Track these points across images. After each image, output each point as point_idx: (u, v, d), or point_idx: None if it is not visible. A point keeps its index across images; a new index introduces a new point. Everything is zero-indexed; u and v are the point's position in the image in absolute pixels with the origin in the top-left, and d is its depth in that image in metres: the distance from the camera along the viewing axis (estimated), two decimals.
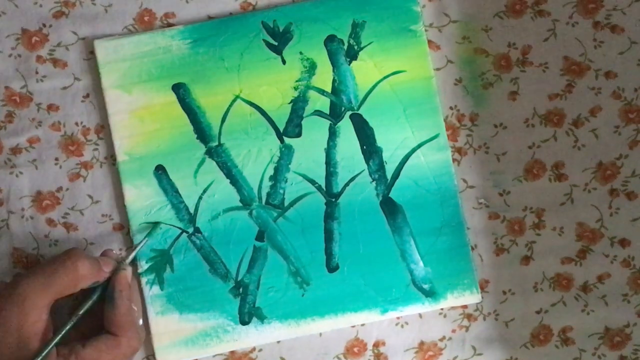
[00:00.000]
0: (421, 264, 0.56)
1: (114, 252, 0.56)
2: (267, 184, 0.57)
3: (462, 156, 0.57)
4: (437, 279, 0.56)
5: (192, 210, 0.57)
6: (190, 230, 0.57)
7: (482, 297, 0.57)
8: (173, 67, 0.57)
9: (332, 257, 0.57)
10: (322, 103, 0.57)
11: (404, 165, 0.57)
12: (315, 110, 0.57)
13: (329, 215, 0.57)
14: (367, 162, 0.57)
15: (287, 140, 0.57)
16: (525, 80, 0.57)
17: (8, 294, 0.50)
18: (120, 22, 0.58)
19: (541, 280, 0.57)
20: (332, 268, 0.57)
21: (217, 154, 0.57)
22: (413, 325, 0.57)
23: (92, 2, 0.58)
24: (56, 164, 0.57)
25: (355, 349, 0.57)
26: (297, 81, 0.57)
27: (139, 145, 0.57)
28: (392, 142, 0.57)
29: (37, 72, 0.57)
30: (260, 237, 0.57)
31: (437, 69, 0.57)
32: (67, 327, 0.51)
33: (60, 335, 0.50)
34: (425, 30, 0.57)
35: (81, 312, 0.52)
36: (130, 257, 0.55)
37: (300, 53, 0.57)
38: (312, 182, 0.57)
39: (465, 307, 0.57)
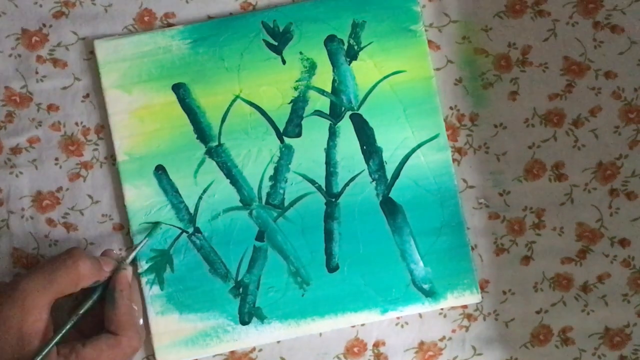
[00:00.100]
0: (421, 264, 0.56)
1: (114, 252, 0.56)
2: (267, 184, 0.57)
3: (462, 156, 0.57)
4: (437, 279, 0.56)
5: (192, 210, 0.57)
6: (190, 230, 0.57)
7: (482, 297, 0.57)
8: (173, 67, 0.57)
9: (332, 257, 0.57)
10: (322, 103, 0.57)
11: (404, 165, 0.57)
12: (315, 110, 0.57)
13: (329, 215, 0.57)
14: (367, 162, 0.57)
15: (287, 140, 0.57)
16: (525, 80, 0.57)
17: (9, 293, 0.50)
18: (120, 22, 0.58)
19: (541, 280, 0.57)
20: (332, 268, 0.57)
21: (217, 154, 0.57)
22: (413, 325, 0.57)
23: (92, 2, 0.58)
24: (56, 164, 0.57)
25: (355, 349, 0.57)
26: (297, 81, 0.57)
27: (139, 145, 0.57)
28: (392, 142, 0.57)
29: (37, 72, 0.57)
30: (260, 237, 0.57)
31: (437, 69, 0.58)
32: (68, 327, 0.51)
33: (60, 335, 0.50)
34: (425, 30, 0.57)
35: (81, 311, 0.52)
36: (131, 257, 0.55)
37: (300, 53, 0.57)
38: (312, 182, 0.57)
39: (465, 307, 0.57)
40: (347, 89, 0.57)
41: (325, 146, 0.57)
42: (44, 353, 0.49)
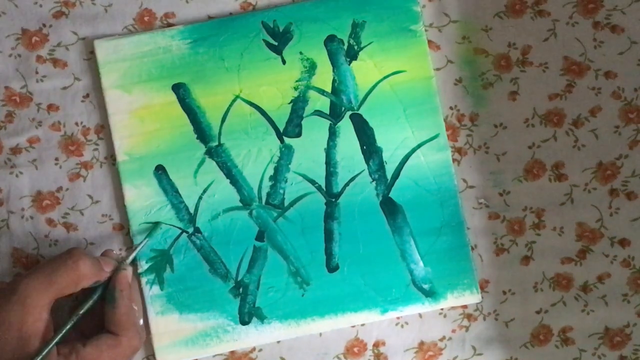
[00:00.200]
0: (421, 264, 0.56)
1: (114, 252, 0.56)
2: (267, 184, 0.57)
3: (462, 156, 0.57)
4: (437, 279, 0.56)
5: (192, 210, 0.57)
6: (190, 230, 0.57)
7: (482, 297, 0.57)
8: (173, 67, 0.57)
9: (332, 257, 0.57)
10: (322, 103, 0.57)
11: (404, 165, 0.57)
12: (315, 110, 0.57)
13: (329, 215, 0.57)
14: (367, 162, 0.57)
15: (287, 140, 0.57)
16: (525, 80, 0.57)
17: (9, 293, 0.50)
18: (120, 22, 0.58)
19: (541, 280, 0.57)
20: (332, 268, 0.57)
21: (217, 154, 0.57)
22: (413, 325, 0.57)
23: (92, 2, 0.58)
24: (56, 164, 0.57)
25: (355, 349, 0.57)
26: (297, 81, 0.57)
27: (139, 145, 0.57)
28: (392, 142, 0.57)
29: (37, 72, 0.57)
30: (260, 237, 0.57)
31: (437, 69, 0.58)
32: (68, 326, 0.51)
33: (61, 334, 0.50)
34: (425, 30, 0.57)
35: (81, 311, 0.52)
36: (131, 257, 0.55)
37: (300, 53, 0.57)
38: (312, 182, 0.57)
39: (465, 307, 0.57)
40: (347, 89, 0.57)
41: (325, 146, 0.57)
42: (44, 353, 0.49)
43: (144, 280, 0.56)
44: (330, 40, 0.57)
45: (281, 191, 0.57)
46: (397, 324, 0.57)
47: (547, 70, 0.57)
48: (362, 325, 0.57)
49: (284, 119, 0.57)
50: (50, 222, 0.57)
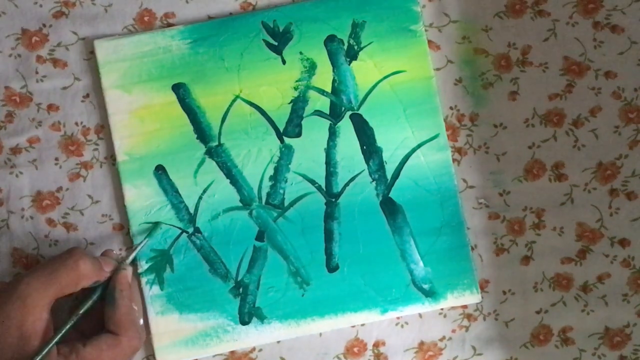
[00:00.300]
0: (421, 264, 0.56)
1: (114, 252, 0.56)
2: (267, 184, 0.57)
3: (462, 156, 0.57)
4: (437, 279, 0.56)
5: (192, 210, 0.57)
6: (190, 230, 0.57)
7: (482, 297, 0.57)
8: (173, 67, 0.57)
9: (332, 257, 0.57)
10: (322, 103, 0.57)
11: (404, 165, 0.57)
12: (315, 110, 0.57)
13: (329, 215, 0.57)
14: (367, 162, 0.57)
15: (287, 140, 0.57)
16: (525, 80, 0.57)
17: (9, 292, 0.50)
18: (120, 22, 0.58)
19: (541, 280, 0.57)
20: (332, 268, 0.57)
21: (217, 154, 0.57)
22: (413, 325, 0.57)
23: (92, 2, 0.58)
24: (56, 164, 0.57)
25: (355, 349, 0.57)
26: (297, 81, 0.57)
27: (139, 145, 0.57)
28: (392, 142, 0.57)
29: (37, 72, 0.57)
30: (260, 237, 0.57)
31: (437, 69, 0.58)
32: (68, 326, 0.51)
33: (61, 334, 0.50)
34: (425, 30, 0.57)
35: (82, 311, 0.52)
36: (131, 257, 0.55)
37: (300, 53, 0.57)
38: (312, 182, 0.57)
39: (465, 307, 0.57)
40: (347, 89, 0.57)
41: (325, 146, 0.57)
42: (44, 352, 0.49)
43: (144, 280, 0.56)
44: (330, 40, 0.57)
45: (281, 191, 0.57)
46: (397, 324, 0.57)
47: (547, 70, 0.57)
48: (362, 325, 0.57)
49: (284, 119, 0.57)
50: (50, 222, 0.57)
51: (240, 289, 0.56)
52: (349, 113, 0.57)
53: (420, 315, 0.57)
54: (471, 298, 0.56)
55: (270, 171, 0.57)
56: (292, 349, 0.57)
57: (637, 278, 0.57)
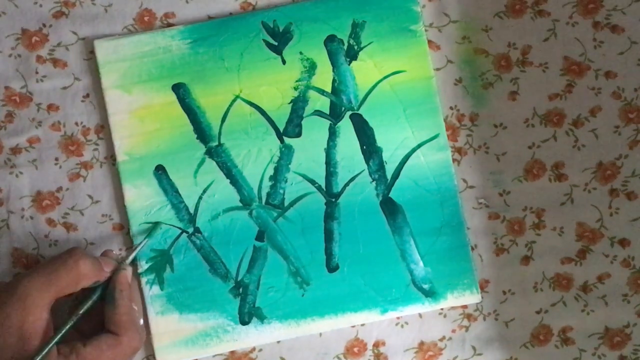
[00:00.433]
0: (421, 264, 0.56)
1: (114, 252, 0.56)
2: (267, 184, 0.57)
3: (462, 156, 0.57)
4: (437, 279, 0.56)
5: (192, 210, 0.57)
6: (190, 230, 0.57)
7: (482, 297, 0.57)
8: (173, 67, 0.57)
9: (332, 257, 0.57)
10: (322, 103, 0.57)
11: (404, 165, 0.57)
12: (315, 110, 0.57)
13: (329, 215, 0.57)
14: (367, 162, 0.57)
15: (287, 140, 0.57)
16: (525, 80, 0.57)
17: (9, 292, 0.50)
18: (120, 22, 0.58)
19: (541, 280, 0.57)
20: (332, 268, 0.57)
21: (217, 154, 0.57)
22: (413, 325, 0.57)
23: (92, 2, 0.58)
24: (56, 164, 0.57)
25: (355, 349, 0.57)
26: (297, 81, 0.57)
27: (139, 145, 0.57)
28: (392, 142, 0.57)
29: (37, 72, 0.57)
30: (260, 237, 0.57)
31: (437, 69, 0.58)
32: (68, 326, 0.51)
33: (61, 334, 0.50)
34: (425, 30, 0.57)
35: (81, 311, 0.52)
36: (131, 257, 0.55)
37: (300, 53, 0.57)
38: (312, 182, 0.57)
39: (465, 307, 0.57)
40: (347, 89, 0.57)
41: (325, 146, 0.57)
42: (44, 352, 0.49)
43: (144, 280, 0.56)
44: (330, 40, 0.57)
45: (281, 191, 0.57)
46: (397, 324, 0.57)
47: (547, 70, 0.57)
48: (362, 325, 0.57)
49: (284, 119, 0.57)
50: (50, 222, 0.57)
51: (240, 289, 0.56)
52: (349, 113, 0.57)
53: (420, 315, 0.57)
54: (471, 298, 0.56)
55: (270, 171, 0.57)
56: (292, 349, 0.57)
57: (637, 278, 0.57)
